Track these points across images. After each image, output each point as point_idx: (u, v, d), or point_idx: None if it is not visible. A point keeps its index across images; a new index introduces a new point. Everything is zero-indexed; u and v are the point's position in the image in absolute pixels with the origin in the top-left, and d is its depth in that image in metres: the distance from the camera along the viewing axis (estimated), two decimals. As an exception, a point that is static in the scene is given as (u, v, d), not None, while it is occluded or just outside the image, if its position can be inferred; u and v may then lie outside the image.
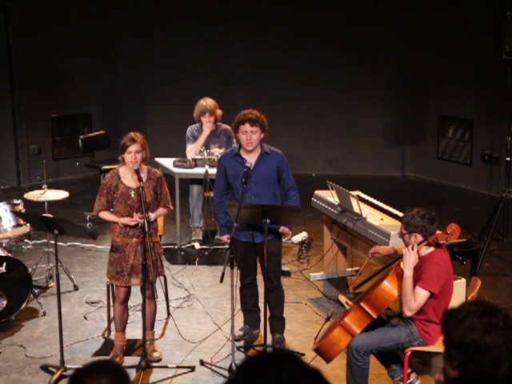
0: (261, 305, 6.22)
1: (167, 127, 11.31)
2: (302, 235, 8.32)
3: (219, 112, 8.18)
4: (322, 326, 5.80)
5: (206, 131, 8.13)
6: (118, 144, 5.84)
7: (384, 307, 5.08)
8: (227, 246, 5.83)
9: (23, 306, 6.52)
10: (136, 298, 6.61)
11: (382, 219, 6.55)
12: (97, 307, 6.86)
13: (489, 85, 10.13)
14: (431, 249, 4.99)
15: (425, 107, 11.17)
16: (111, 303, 6.32)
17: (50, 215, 6.70)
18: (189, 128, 8.29)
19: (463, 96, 10.60)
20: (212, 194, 6.51)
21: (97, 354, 6.05)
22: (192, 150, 8.19)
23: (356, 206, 6.53)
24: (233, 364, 5.61)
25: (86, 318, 6.68)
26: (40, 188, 7.32)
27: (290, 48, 11.20)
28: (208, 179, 7.94)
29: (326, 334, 5.20)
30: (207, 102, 8.11)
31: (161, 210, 5.90)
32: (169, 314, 6.70)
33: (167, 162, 8.47)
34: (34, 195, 7.25)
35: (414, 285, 4.88)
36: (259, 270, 6.19)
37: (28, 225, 6.89)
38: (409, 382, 5.27)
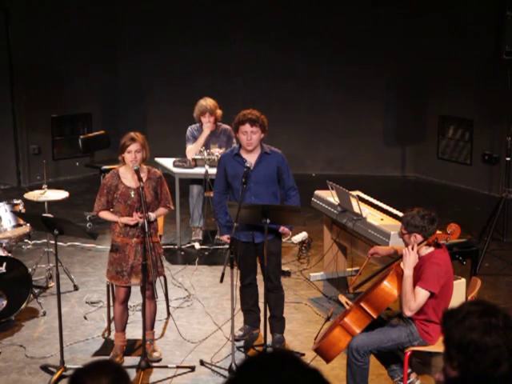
0: (261, 305, 6.22)
1: (167, 127, 11.31)
2: (302, 235, 8.32)
3: (219, 112, 8.18)
4: (321, 326, 5.80)
5: (206, 131, 8.13)
6: (118, 144, 5.84)
7: (384, 307, 5.08)
8: (227, 246, 5.83)
9: (23, 306, 6.52)
10: (136, 298, 6.61)
11: (382, 219, 6.55)
12: (97, 307, 6.86)
13: (489, 85, 10.13)
14: (431, 249, 4.99)
15: (425, 107, 11.17)
16: (111, 303, 6.32)
17: (49, 215, 6.70)
18: (189, 128, 8.30)
19: (463, 96, 10.60)
20: (212, 194, 6.51)
21: (97, 354, 6.05)
22: (192, 150, 8.19)
23: (356, 205, 6.53)
24: (233, 364, 5.61)
25: (85, 317, 6.68)
26: (40, 188, 7.32)
27: (290, 48, 11.20)
28: (208, 179, 7.94)
29: (326, 333, 5.20)
30: (207, 102, 8.11)
31: (161, 210, 5.90)
32: (169, 314, 6.70)
33: (167, 162, 8.47)
34: (33, 195, 7.25)
35: (414, 285, 4.88)
36: (259, 270, 6.19)
37: (28, 225, 6.89)
38: (409, 382, 5.27)
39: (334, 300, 6.65)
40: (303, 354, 5.83)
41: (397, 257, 5.26)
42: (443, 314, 2.64)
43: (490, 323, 2.52)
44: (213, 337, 6.32)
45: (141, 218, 5.63)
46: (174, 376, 5.71)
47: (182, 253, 8.26)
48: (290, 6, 11.13)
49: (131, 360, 5.89)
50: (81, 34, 10.91)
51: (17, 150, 10.86)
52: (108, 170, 7.96)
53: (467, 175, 10.75)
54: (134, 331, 6.30)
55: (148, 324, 5.91)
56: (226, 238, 6.00)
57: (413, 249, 4.92)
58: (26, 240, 7.57)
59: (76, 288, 7.26)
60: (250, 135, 5.83)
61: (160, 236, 6.21)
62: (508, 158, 8.49)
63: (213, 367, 5.81)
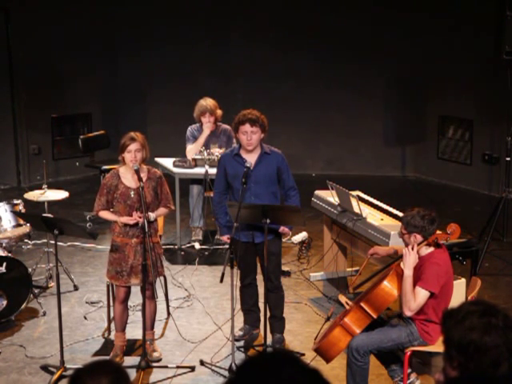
0: (261, 305, 6.22)
1: (167, 127, 11.31)
2: (302, 235, 8.32)
3: (219, 112, 8.18)
4: (321, 326, 5.80)
5: (206, 131, 8.13)
6: (118, 144, 5.84)
7: (384, 307, 5.08)
8: (227, 246, 5.83)
9: (23, 306, 6.52)
10: (136, 298, 6.62)
11: (382, 219, 6.55)
12: (97, 307, 6.86)
13: (489, 85, 10.13)
14: (431, 249, 4.99)
15: (425, 107, 11.17)
16: (111, 303, 6.32)
17: (49, 215, 6.70)
18: (189, 128, 8.30)
19: (463, 96, 10.60)
20: (212, 194, 6.51)
21: (97, 354, 6.05)
22: (192, 150, 8.19)
23: (356, 205, 6.53)
24: (233, 364, 5.61)
25: (85, 317, 6.68)
26: (40, 188, 7.32)
27: (289, 48, 11.20)
28: (208, 179, 7.95)
29: (326, 333, 5.20)
30: (207, 102, 8.11)
31: (161, 210, 5.90)
32: (169, 313, 6.70)
33: (167, 162, 8.47)
34: (33, 195, 7.25)
35: (414, 285, 4.88)
36: (259, 270, 6.19)
37: (28, 225, 6.89)
38: (409, 382, 5.27)
39: (334, 300, 6.65)
40: (303, 354, 5.83)
41: (397, 257, 5.26)
42: (443, 314, 2.64)
43: (489, 323, 2.52)
44: (213, 337, 6.32)
45: (140, 217, 5.63)
46: (174, 376, 5.71)
47: (182, 253, 8.26)
48: (290, 6, 11.13)
49: (131, 360, 5.89)
50: (81, 34, 10.91)
51: (17, 150, 10.86)
52: (108, 170, 7.96)
53: (467, 175, 10.75)
54: (134, 331, 6.30)
55: (148, 324, 5.91)
56: (226, 238, 6.00)
57: (413, 249, 4.92)
58: (26, 240, 7.56)
59: (76, 288, 7.26)
60: (250, 135, 5.83)
61: (160, 236, 6.21)
62: (508, 158, 8.49)
63: (213, 367, 5.81)
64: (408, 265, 4.89)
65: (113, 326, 6.15)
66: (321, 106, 11.40)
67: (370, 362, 5.07)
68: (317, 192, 7.37)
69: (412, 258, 4.90)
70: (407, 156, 11.53)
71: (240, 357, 5.87)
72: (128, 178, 5.79)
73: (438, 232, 5.02)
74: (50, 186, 7.54)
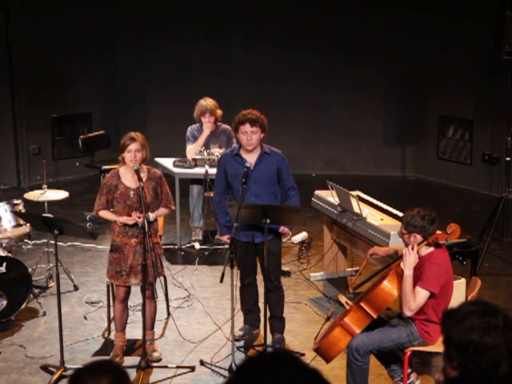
0: (261, 305, 6.22)
1: (167, 127, 11.31)
2: (302, 235, 8.32)
3: (219, 112, 8.18)
4: (321, 326, 5.80)
5: (206, 131, 8.13)
6: (118, 144, 5.84)
7: (384, 307, 5.08)
8: (227, 246, 5.83)
9: (23, 306, 6.52)
10: (136, 298, 6.62)
11: (382, 219, 6.55)
12: (97, 307, 6.86)
13: (489, 85, 10.14)
14: (431, 249, 4.99)
15: (425, 107, 11.17)
16: (111, 303, 6.32)
17: (50, 215, 6.70)
18: (189, 128, 8.30)
19: (463, 96, 10.60)
20: (212, 194, 6.51)
21: (97, 354, 6.05)
22: (192, 150, 8.19)
23: (356, 205, 6.53)
24: (233, 364, 5.61)
25: (85, 317, 6.68)
26: (40, 188, 7.32)
27: (289, 48, 11.20)
28: (208, 179, 7.95)
29: (326, 333, 5.20)
30: (207, 102, 8.11)
31: (162, 210, 5.89)
32: (169, 313, 6.70)
33: (167, 162, 8.47)
34: (33, 195, 7.25)
35: (414, 285, 4.88)
36: (259, 270, 6.19)
37: (28, 225, 6.89)
38: (409, 382, 5.27)
39: (334, 300, 6.65)
40: (303, 354, 5.83)
41: (397, 257, 5.27)
42: (443, 314, 2.64)
43: (489, 323, 2.51)
44: (213, 337, 6.32)
45: (139, 217, 5.63)
46: (174, 376, 5.71)
47: (182, 253, 8.26)
48: (290, 6, 11.13)
49: (131, 360, 5.89)
50: (81, 34, 10.91)
51: (17, 150, 10.86)
52: (108, 170, 7.96)
53: (467, 175, 10.75)
54: (134, 331, 6.30)
55: (148, 324, 5.91)
56: (226, 238, 6.00)
57: (413, 249, 4.92)
58: (26, 240, 7.56)
59: (76, 288, 7.26)
60: (250, 135, 5.83)
61: (160, 236, 6.21)
62: (508, 158, 8.48)
63: (213, 367, 5.81)
64: (408, 265, 4.89)
65: (113, 326, 6.15)
66: (321, 106, 11.40)
67: (370, 362, 5.07)
68: (317, 192, 7.37)
69: (412, 258, 4.90)
70: (407, 156, 11.53)
71: (240, 357, 5.87)
72: (128, 178, 5.79)
73: (438, 232, 5.02)
74: (50, 186, 7.54)
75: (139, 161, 5.70)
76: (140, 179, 5.63)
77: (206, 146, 8.16)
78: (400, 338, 5.04)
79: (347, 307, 5.19)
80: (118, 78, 11.56)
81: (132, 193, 5.74)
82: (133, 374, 5.61)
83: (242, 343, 6.24)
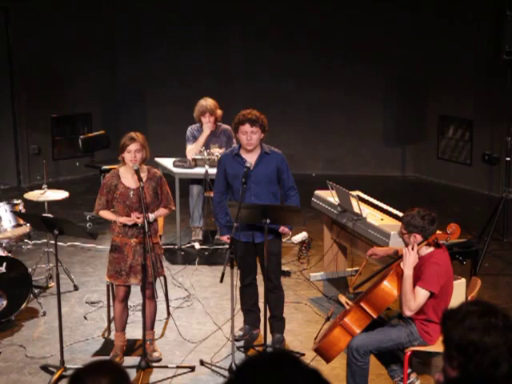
0: (261, 305, 6.21)
1: (167, 127, 11.31)
2: (302, 235, 8.32)
3: (219, 112, 8.18)
4: (321, 326, 5.79)
5: (206, 131, 8.13)
6: (118, 144, 5.84)
7: (384, 307, 5.08)
8: (227, 246, 5.83)
9: (23, 306, 6.52)
10: (136, 298, 6.61)
11: (382, 219, 6.55)
12: (97, 307, 6.86)
13: (489, 85, 10.14)
14: (431, 249, 4.99)
15: (425, 107, 11.17)
16: (111, 303, 6.31)
17: (50, 215, 6.70)
18: (189, 128, 8.30)
19: (463, 96, 10.61)
20: (212, 194, 6.51)
21: (97, 354, 6.05)
22: (192, 150, 8.19)
23: (356, 205, 6.53)
24: (233, 364, 5.61)
25: (85, 317, 6.68)
26: (40, 188, 7.31)
27: (289, 48, 11.20)
28: (208, 179, 7.95)
29: (326, 333, 5.20)
30: (207, 102, 8.11)
31: (162, 211, 5.89)
32: (169, 313, 6.70)
33: (167, 162, 8.47)
34: (33, 195, 7.25)
35: (414, 285, 4.88)
36: (259, 270, 6.19)
37: (28, 225, 6.88)
38: (409, 382, 5.27)
39: (334, 300, 6.66)
40: (303, 354, 5.83)
41: (397, 257, 5.27)
42: (443, 314, 2.64)
43: (489, 323, 2.51)
44: (213, 337, 6.32)
45: (139, 218, 5.63)
46: (174, 376, 5.70)
47: (182, 253, 8.26)
48: (290, 6, 11.12)
49: (131, 360, 5.89)
50: (81, 35, 10.91)
51: (17, 149, 10.86)
52: (108, 170, 7.96)
53: (467, 175, 10.75)
54: (134, 331, 6.30)
55: (148, 324, 5.91)
56: (226, 238, 6.00)
57: (413, 249, 4.92)
58: (26, 240, 7.57)
59: (76, 288, 7.26)
60: (249, 135, 5.83)
61: (160, 236, 6.21)
62: (508, 158, 8.48)
63: (213, 367, 5.81)
64: (408, 265, 4.89)
65: (113, 325, 6.15)
66: (321, 106, 11.40)
67: (370, 362, 5.07)
68: (317, 192, 7.37)
69: (412, 257, 4.90)
70: (407, 156, 11.53)
71: (240, 357, 5.87)
72: (128, 178, 5.79)
73: (438, 232, 5.02)
74: (50, 186, 7.54)
75: (139, 161, 5.70)
76: (140, 179, 5.63)
77: (206, 146, 8.16)
78: (400, 337, 5.04)
79: (347, 307, 5.19)
80: (118, 78, 11.56)
81: (132, 193, 5.74)
82: (133, 374, 5.61)
83: (242, 343, 6.24)
